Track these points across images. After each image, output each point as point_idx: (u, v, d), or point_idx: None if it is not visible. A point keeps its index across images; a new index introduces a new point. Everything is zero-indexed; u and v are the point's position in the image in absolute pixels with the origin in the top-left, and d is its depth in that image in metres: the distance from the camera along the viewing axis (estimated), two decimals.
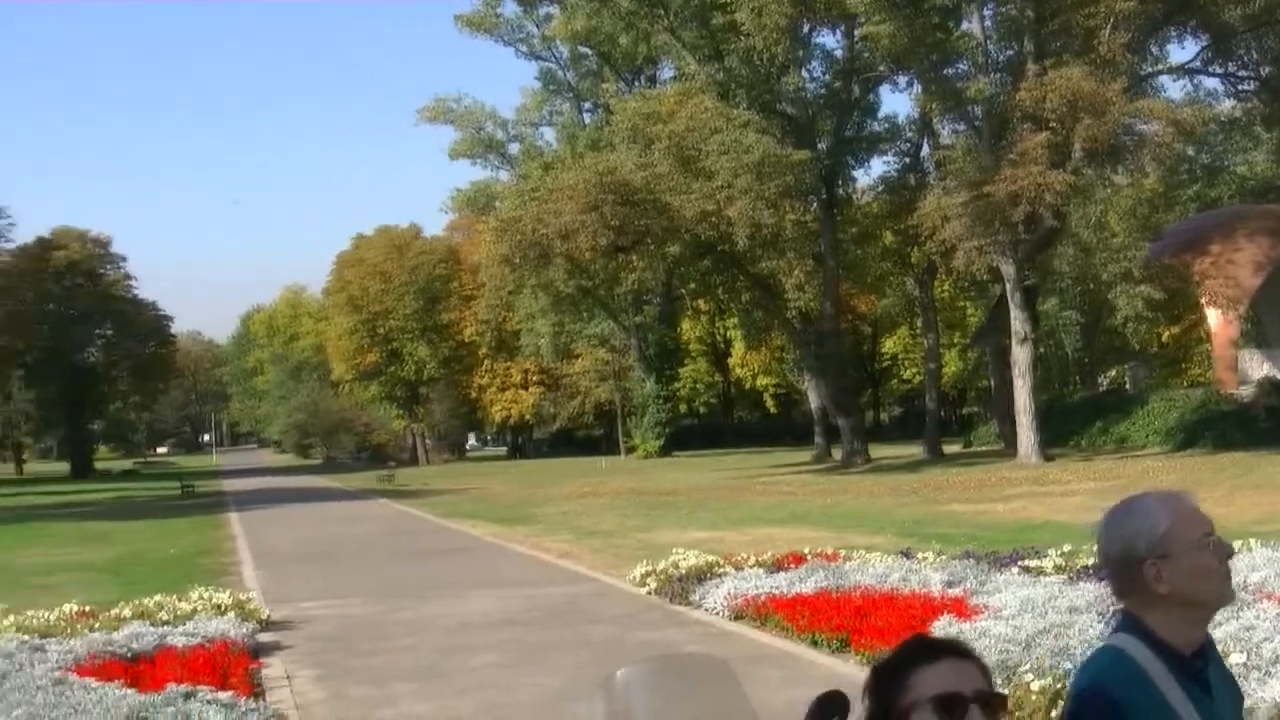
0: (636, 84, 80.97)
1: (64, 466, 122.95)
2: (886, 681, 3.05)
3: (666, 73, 77.75)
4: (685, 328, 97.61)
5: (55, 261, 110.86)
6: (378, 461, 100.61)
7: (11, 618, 16.89)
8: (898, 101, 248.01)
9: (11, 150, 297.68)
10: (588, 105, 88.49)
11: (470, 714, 12.35)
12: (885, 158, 66.54)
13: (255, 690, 12.91)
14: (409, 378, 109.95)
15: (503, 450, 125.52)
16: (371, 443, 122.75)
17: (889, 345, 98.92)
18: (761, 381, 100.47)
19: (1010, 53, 55.12)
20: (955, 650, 3.06)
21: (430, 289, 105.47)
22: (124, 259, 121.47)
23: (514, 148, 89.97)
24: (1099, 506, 3.73)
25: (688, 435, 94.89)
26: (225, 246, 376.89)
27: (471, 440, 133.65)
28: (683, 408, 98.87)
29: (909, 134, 65.20)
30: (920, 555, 19.04)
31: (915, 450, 65.02)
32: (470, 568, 25.83)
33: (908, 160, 65.14)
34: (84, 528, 43.57)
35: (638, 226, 54.10)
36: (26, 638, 14.94)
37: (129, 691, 10.99)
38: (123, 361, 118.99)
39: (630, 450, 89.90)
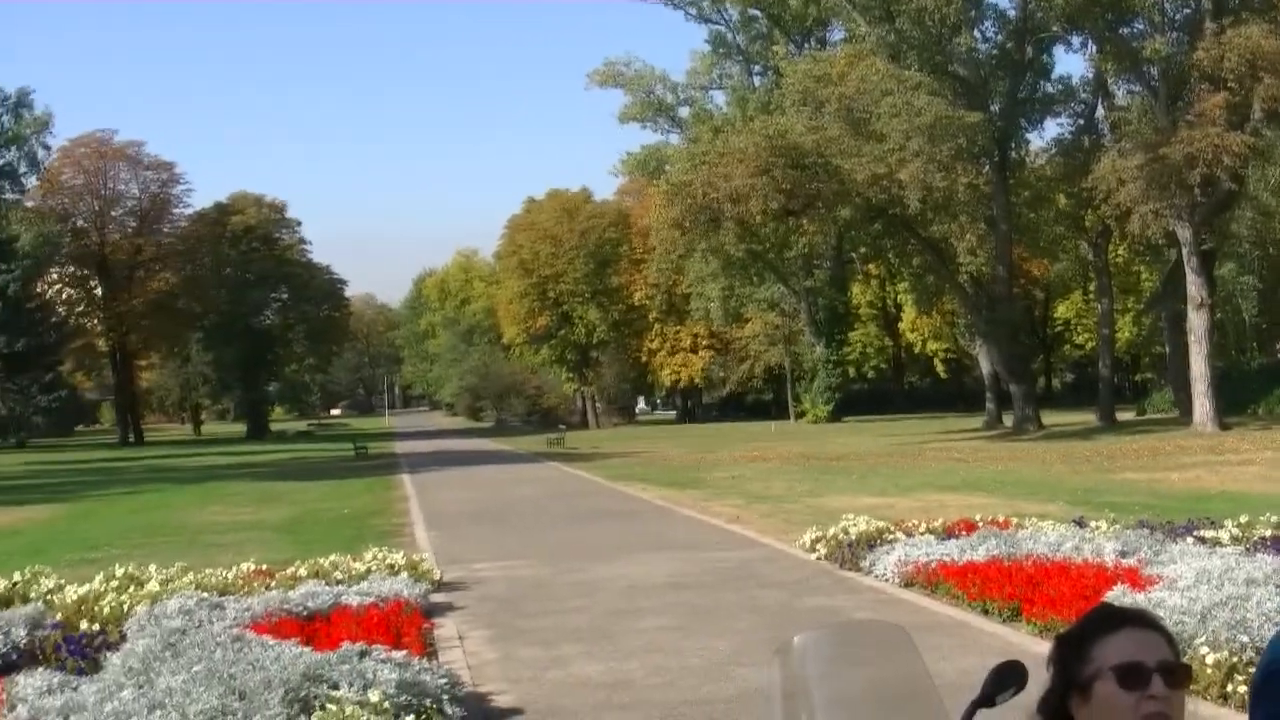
0: (806, 46, 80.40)
1: (240, 428, 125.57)
2: (1070, 651, 3.02)
3: (837, 35, 77.21)
4: (855, 292, 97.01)
5: (232, 226, 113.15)
6: (548, 425, 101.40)
7: (190, 575, 17.23)
8: (1072, 62, 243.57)
9: (189, 117, 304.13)
10: (758, 68, 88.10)
11: (639, 677, 12.34)
12: (1059, 119, 65.31)
13: (428, 650, 13.04)
14: (579, 341, 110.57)
15: (672, 414, 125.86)
16: (542, 406, 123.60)
17: (1062, 310, 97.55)
18: (932, 346, 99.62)
19: (1187, 11, 53.83)
20: (1140, 620, 3.00)
21: (600, 253, 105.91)
22: (299, 224, 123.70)
23: (684, 111, 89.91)
24: (1276, 477, 3.59)
25: (857, 400, 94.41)
26: (398, 211, 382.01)
27: (641, 404, 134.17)
28: (852, 372, 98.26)
29: (1083, 95, 63.86)
30: (1093, 524, 18.69)
31: (1088, 417, 64.04)
32: (639, 531, 25.87)
33: (1082, 122, 63.87)
34: (260, 488, 44.42)
35: (808, 190, 53.82)
36: (205, 595, 15.21)
37: (305, 649, 11.14)
38: (298, 325, 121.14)
39: (799, 415, 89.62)
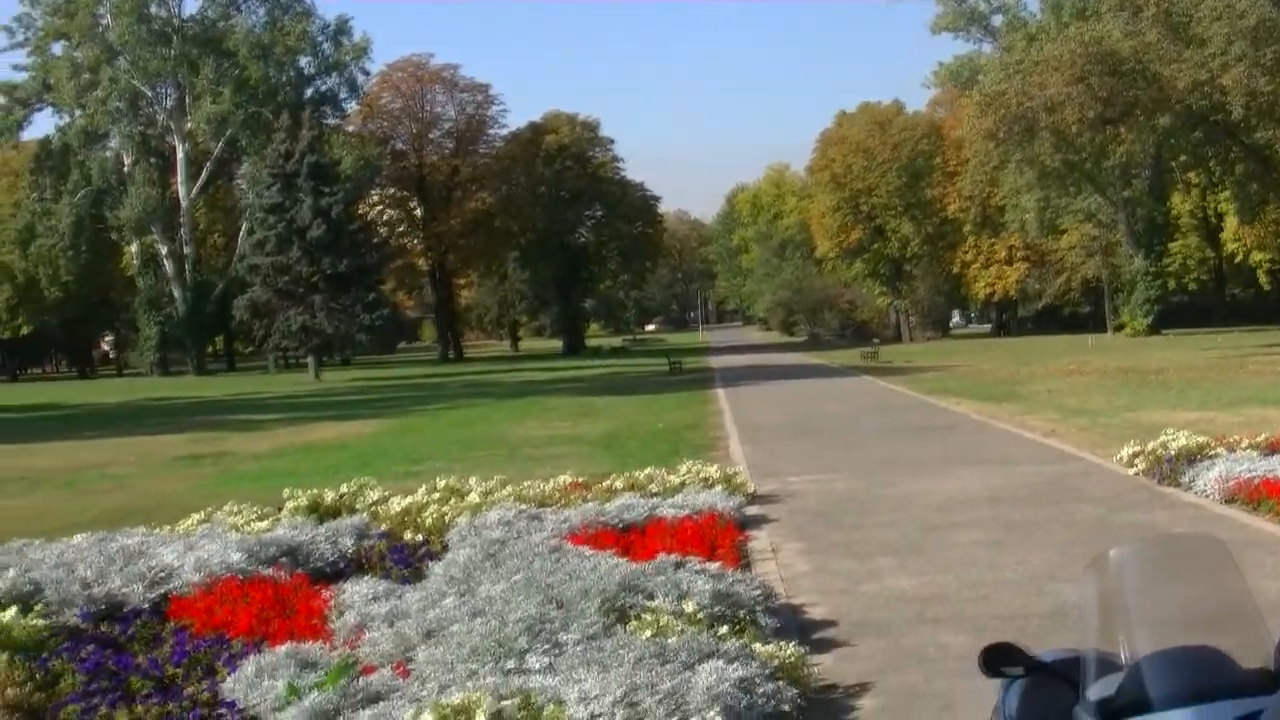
0: None
1: (557, 343, 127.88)
2: None
3: None
4: (1175, 202, 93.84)
5: (546, 146, 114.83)
6: (861, 339, 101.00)
7: (510, 488, 17.64)
8: None
9: (503, 41, 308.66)
10: None
11: (954, 590, 12.25)
12: None
13: (742, 562, 13.14)
14: (892, 255, 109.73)
15: (986, 328, 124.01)
16: (855, 320, 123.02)
17: None
18: (1256, 257, 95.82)
19: None
20: None
21: (913, 165, 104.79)
22: (612, 141, 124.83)
23: (997, 20, 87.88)
24: None
25: (1177, 313, 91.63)
26: (709, 127, 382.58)
27: (955, 318, 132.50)
28: (1172, 284, 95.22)
29: None
30: None
31: None
32: (954, 445, 25.61)
33: None
34: (576, 402, 45.21)
35: (1126, 98, 52.16)
36: (524, 507, 15.58)
37: (621, 560, 11.34)
38: (612, 242, 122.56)
39: (1118, 328, 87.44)
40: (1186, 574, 4.89)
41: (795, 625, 11.00)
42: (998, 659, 4.99)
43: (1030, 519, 16.06)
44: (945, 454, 23.77)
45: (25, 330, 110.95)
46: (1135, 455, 19.58)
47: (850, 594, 12.44)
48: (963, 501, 17.79)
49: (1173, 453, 18.90)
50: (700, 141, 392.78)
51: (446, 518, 15.19)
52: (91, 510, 20.09)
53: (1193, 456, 18.56)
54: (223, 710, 8.36)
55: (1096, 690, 4.32)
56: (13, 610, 10.49)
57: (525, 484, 18.01)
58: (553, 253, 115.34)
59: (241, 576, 11.74)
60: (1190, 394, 34.70)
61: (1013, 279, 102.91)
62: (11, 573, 11.71)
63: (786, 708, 8.24)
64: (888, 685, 9.44)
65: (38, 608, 10.94)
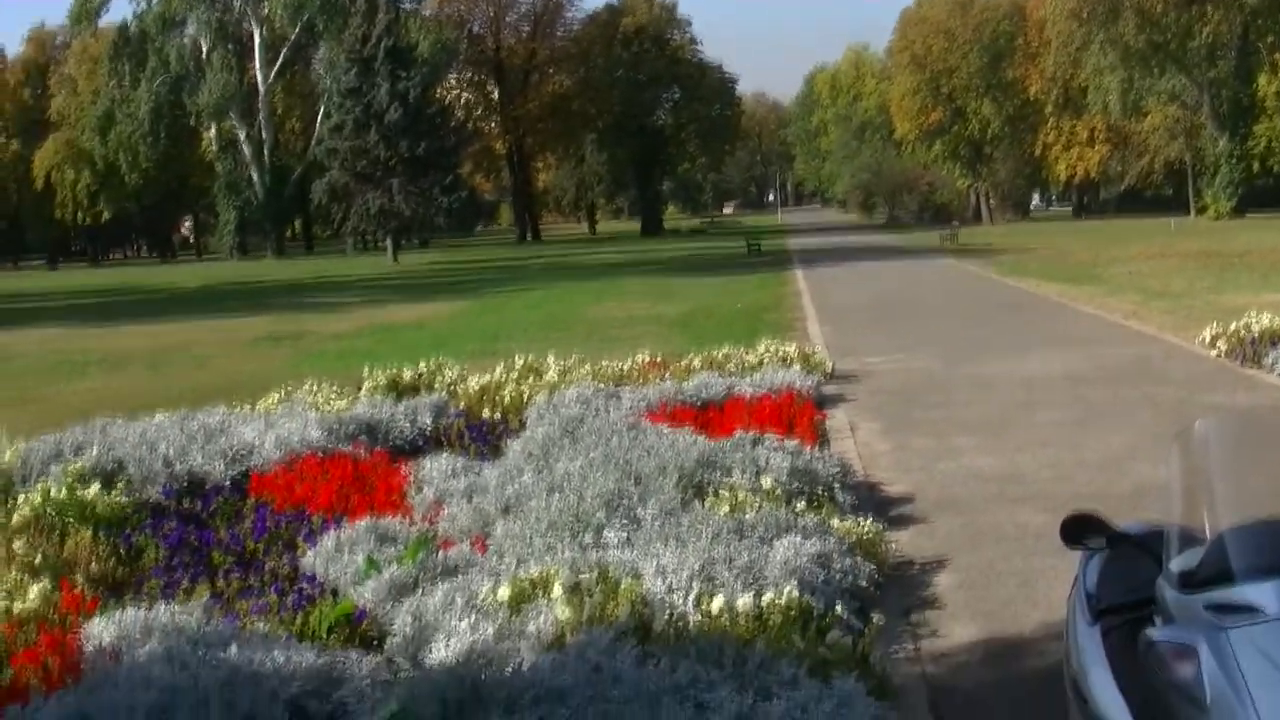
0: None
1: (634, 226, 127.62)
2: None
3: None
4: (1261, 83, 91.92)
5: (624, 28, 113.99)
6: (940, 221, 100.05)
7: (588, 366, 17.67)
8: None
9: None
10: None
11: (1032, 470, 12.21)
12: None
13: (820, 439, 13.10)
14: (972, 136, 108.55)
15: (1067, 210, 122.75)
16: (934, 202, 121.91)
17: None
18: None
19: None
20: None
21: (995, 46, 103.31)
22: (689, 22, 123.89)
23: None
24: None
25: (1262, 195, 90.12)
26: (788, 4, 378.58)
27: (1035, 200, 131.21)
28: (1256, 167, 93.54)
29: None
30: None
31: None
32: (1033, 326, 25.43)
33: None
34: (654, 283, 45.15)
35: None
36: (602, 385, 15.59)
37: (699, 437, 11.32)
38: (690, 124, 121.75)
39: (1200, 211, 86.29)
40: (1271, 448, 4.82)
41: (872, 502, 10.99)
42: (1079, 530, 4.95)
43: (1111, 400, 15.95)
44: (1025, 336, 23.60)
45: (106, 216, 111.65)
46: (1217, 337, 19.42)
47: (928, 472, 12.43)
48: (1043, 382, 17.69)
49: (1255, 334, 18.72)
50: (779, 21, 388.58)
51: (524, 396, 15.23)
52: (173, 390, 20.29)
53: (1275, 338, 18.38)
54: (303, 583, 8.44)
55: (1179, 563, 4.29)
56: (96, 487, 10.60)
57: (603, 363, 18.02)
58: (630, 135, 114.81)
59: (321, 453, 11.82)
60: (1273, 277, 34.21)
61: (1094, 161, 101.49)
62: (95, 450, 11.83)
63: (863, 583, 8.23)
64: (965, 562, 9.43)
65: (121, 484, 11.05)
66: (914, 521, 10.65)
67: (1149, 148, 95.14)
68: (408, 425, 13.38)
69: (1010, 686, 7.15)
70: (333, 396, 15.70)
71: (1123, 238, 62.34)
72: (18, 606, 7.81)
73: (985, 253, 56.27)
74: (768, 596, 7.15)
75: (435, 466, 11.20)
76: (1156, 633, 3.99)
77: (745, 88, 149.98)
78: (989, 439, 13.81)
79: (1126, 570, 4.90)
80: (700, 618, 7.04)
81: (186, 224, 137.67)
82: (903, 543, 9.86)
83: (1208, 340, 19.62)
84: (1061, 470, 12.08)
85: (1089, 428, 14.08)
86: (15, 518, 9.95)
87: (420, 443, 13.12)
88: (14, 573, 8.57)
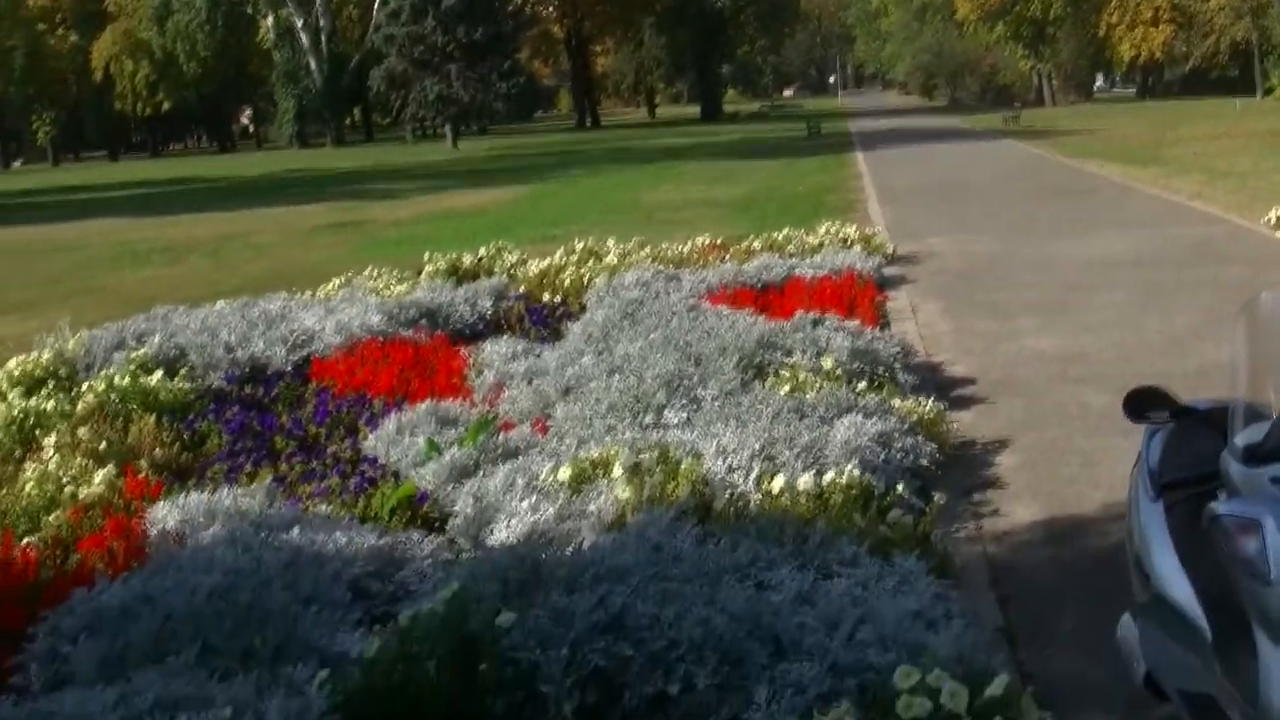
0: None
1: (694, 110, 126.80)
2: None
3: None
4: None
5: None
6: (1002, 103, 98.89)
7: (647, 249, 17.63)
8: None
9: None
10: None
11: (1095, 351, 12.11)
12: None
13: (881, 321, 13.06)
14: (1035, 16, 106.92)
15: (1131, 91, 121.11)
16: (996, 84, 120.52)
17: None
18: None
19: None
20: None
21: None
22: None
23: None
24: None
25: None
26: None
27: (1099, 81, 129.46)
28: None
29: None
30: None
31: None
32: (1097, 207, 25.16)
33: None
34: (713, 167, 44.89)
35: None
36: (662, 268, 15.55)
37: (759, 318, 11.28)
38: (748, 6, 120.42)
39: (1266, 92, 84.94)
40: None
41: (934, 383, 10.94)
42: (1143, 403, 4.89)
43: (1175, 281, 15.78)
44: (1088, 217, 23.37)
45: (165, 106, 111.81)
46: None
47: (990, 353, 12.36)
48: (1106, 263, 17.51)
49: None
50: None
51: (584, 279, 15.23)
52: (234, 278, 20.41)
53: None
54: (364, 467, 8.49)
55: (1244, 437, 4.23)
56: (159, 374, 10.68)
57: (662, 246, 17.96)
58: (690, 19, 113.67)
59: (381, 338, 11.86)
60: None
61: (1159, 41, 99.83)
62: (157, 338, 11.92)
63: (925, 462, 8.21)
64: (1027, 442, 9.39)
65: (183, 371, 11.15)
66: (976, 402, 10.60)
67: (1214, 27, 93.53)
68: (467, 310, 13.41)
69: (1072, 566, 7.13)
70: (393, 282, 15.75)
71: (1187, 118, 61.45)
72: (83, 492, 7.91)
73: (1048, 134, 55.62)
74: (828, 476, 7.14)
75: (495, 350, 11.24)
76: (1220, 507, 3.94)
77: None
78: (1052, 320, 13.70)
79: (1190, 445, 4.85)
80: (761, 498, 7.04)
81: (246, 114, 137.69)
82: (964, 423, 9.82)
83: (1273, 220, 19.37)
84: (1125, 351, 11.98)
85: (1152, 309, 13.95)
86: (79, 405, 10.06)
87: (480, 327, 13.16)
88: (79, 459, 8.66)
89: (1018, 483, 8.52)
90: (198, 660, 5.03)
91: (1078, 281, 16.18)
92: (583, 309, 13.45)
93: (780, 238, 18.44)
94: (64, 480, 8.18)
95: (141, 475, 8.26)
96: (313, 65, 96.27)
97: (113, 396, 10.16)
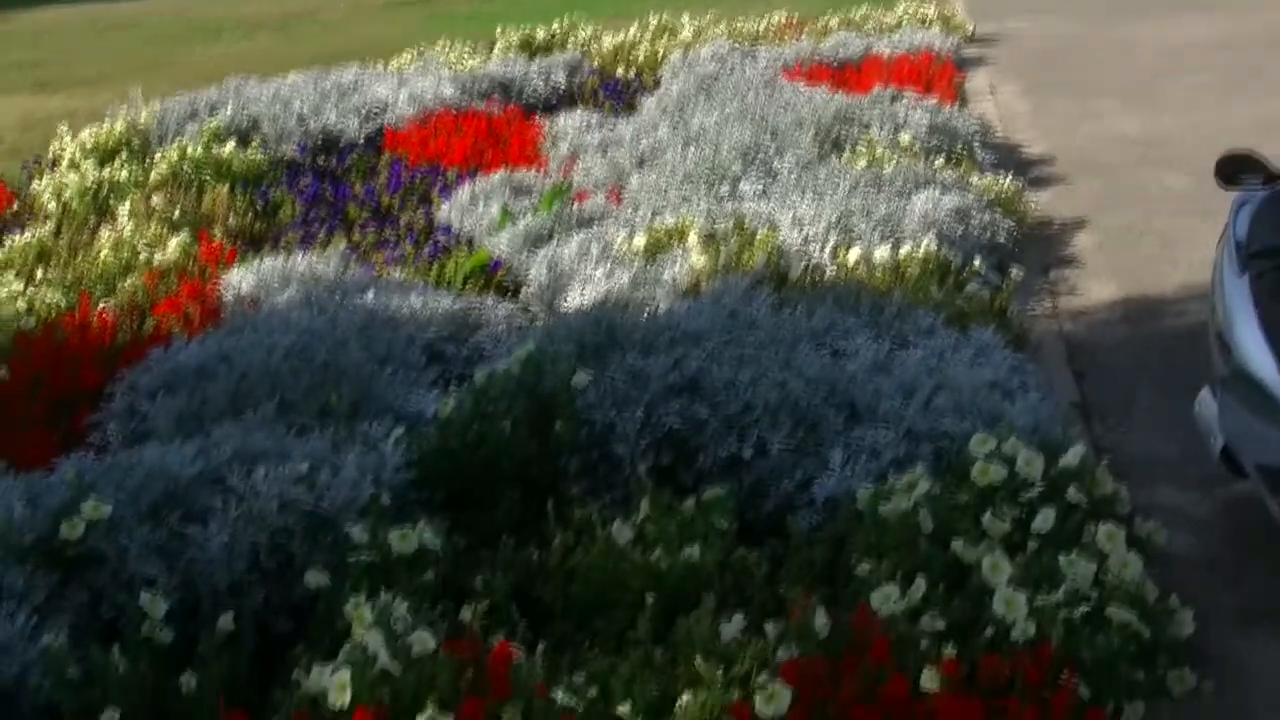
0: None
1: None
2: None
3: None
4: None
5: None
6: None
7: (723, 24, 17.35)
8: None
9: None
10: None
11: (1177, 134, 11.90)
12: None
13: (959, 100, 12.83)
14: None
15: None
16: None
17: None
18: None
19: None
20: None
21: None
22: None
23: None
24: None
25: None
26: None
27: None
28: None
29: None
30: None
31: None
32: None
33: None
34: None
35: None
36: (737, 45, 15.30)
37: (837, 94, 11.11)
38: None
39: None
40: None
41: (1012, 161, 10.78)
42: (1235, 168, 4.80)
43: (1262, 65, 15.37)
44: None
45: None
46: None
47: (1069, 133, 12.17)
48: (1191, 46, 17.08)
49: None
50: None
51: (659, 54, 15.03)
52: (305, 54, 20.23)
53: None
54: (438, 234, 8.48)
55: None
56: (232, 144, 10.67)
57: (738, 22, 17.66)
58: None
59: (455, 110, 11.76)
60: None
61: None
62: (230, 109, 11.87)
63: (1002, 239, 8.13)
64: (1105, 222, 9.28)
65: (255, 142, 11.11)
66: (1054, 181, 10.47)
67: None
68: (541, 83, 13.25)
69: (1148, 344, 7.09)
70: (465, 55, 15.57)
71: None
72: (158, 258, 7.96)
73: None
74: (905, 249, 7.09)
75: (569, 122, 11.14)
76: None
77: None
78: (1133, 102, 13.43)
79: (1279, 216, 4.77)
80: (836, 269, 7.00)
81: None
82: (1042, 202, 9.71)
83: None
84: (1207, 133, 11.72)
85: (1238, 93, 13.63)
86: (153, 174, 10.07)
87: (554, 100, 13.00)
88: (154, 227, 8.70)
89: (1095, 261, 8.44)
90: (275, 416, 5.08)
91: (1162, 64, 15.82)
92: (657, 84, 13.25)
93: (857, 16, 18.09)
94: (139, 246, 8.22)
95: (216, 242, 8.28)
96: None
97: (186, 166, 10.17)
